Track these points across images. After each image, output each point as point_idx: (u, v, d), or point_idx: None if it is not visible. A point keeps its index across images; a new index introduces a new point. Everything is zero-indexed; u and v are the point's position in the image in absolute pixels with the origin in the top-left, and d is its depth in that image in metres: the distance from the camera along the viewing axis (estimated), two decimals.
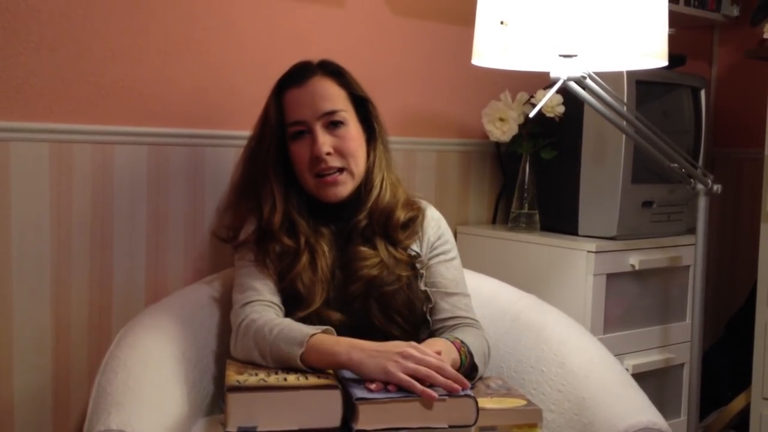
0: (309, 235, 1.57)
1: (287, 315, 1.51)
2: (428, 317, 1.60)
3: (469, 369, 1.48)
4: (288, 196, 1.60)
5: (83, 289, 1.78)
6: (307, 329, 1.39)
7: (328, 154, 1.56)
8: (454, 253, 1.68)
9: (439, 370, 1.30)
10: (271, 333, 1.40)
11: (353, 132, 1.60)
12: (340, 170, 1.58)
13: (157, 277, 1.87)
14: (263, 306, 1.49)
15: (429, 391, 1.26)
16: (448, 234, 1.70)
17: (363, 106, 1.64)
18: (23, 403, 1.73)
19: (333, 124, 1.58)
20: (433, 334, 1.59)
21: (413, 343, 1.35)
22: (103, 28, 1.77)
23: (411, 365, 1.29)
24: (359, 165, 1.61)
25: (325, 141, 1.56)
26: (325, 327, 1.41)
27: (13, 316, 1.70)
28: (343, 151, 1.58)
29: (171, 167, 1.87)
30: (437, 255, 1.65)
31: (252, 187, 1.63)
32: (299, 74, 1.61)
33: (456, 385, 1.29)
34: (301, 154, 1.58)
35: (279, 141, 1.60)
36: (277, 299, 1.53)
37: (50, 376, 1.76)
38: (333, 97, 1.59)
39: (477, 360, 1.49)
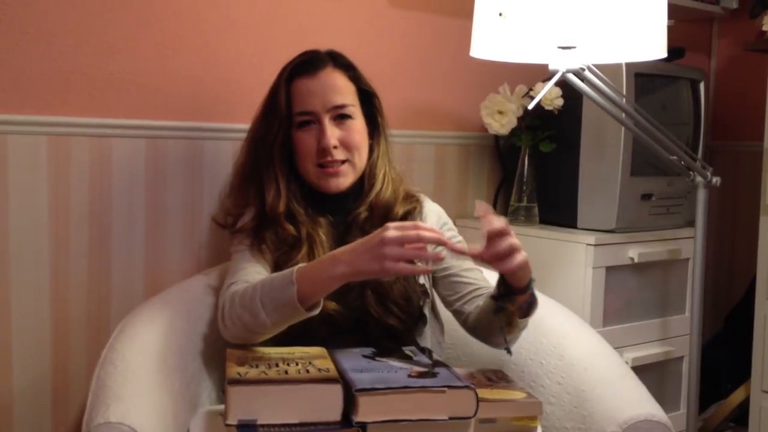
0: (308, 225, 1.57)
1: None
2: (425, 312, 1.60)
3: (531, 299, 1.45)
4: (289, 183, 1.60)
5: (82, 282, 1.78)
6: (290, 269, 1.37)
7: (335, 147, 1.56)
8: (459, 236, 1.69)
9: (420, 239, 1.29)
10: (255, 290, 1.39)
11: (359, 126, 1.60)
12: (343, 162, 1.58)
13: (156, 269, 1.87)
14: (248, 283, 1.47)
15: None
16: (449, 221, 1.72)
17: (369, 101, 1.65)
18: (22, 396, 1.73)
19: (341, 117, 1.58)
20: (460, 310, 1.60)
21: (388, 226, 1.31)
22: (100, 20, 1.76)
23: (396, 251, 1.28)
24: (362, 158, 1.61)
25: (332, 133, 1.56)
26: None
27: (11, 310, 1.70)
28: (349, 144, 1.58)
29: (169, 160, 1.87)
30: None
31: (255, 173, 1.62)
32: (311, 64, 1.60)
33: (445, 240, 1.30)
34: (306, 143, 1.58)
35: (286, 128, 1.60)
36: None
37: (49, 369, 1.76)
38: (343, 90, 1.59)
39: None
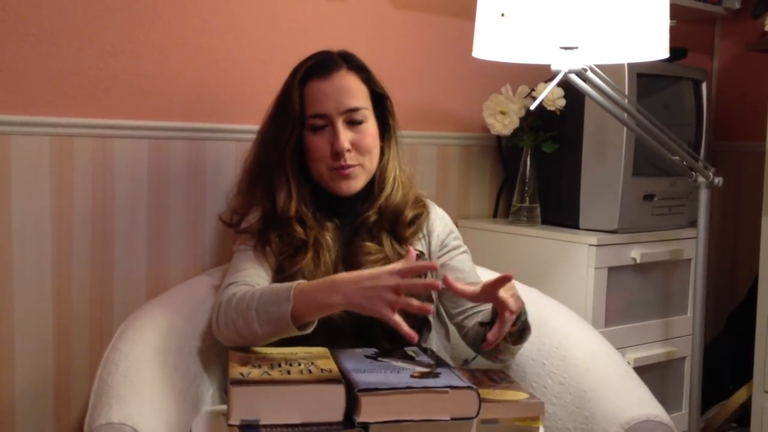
0: (315, 230, 1.57)
1: None
2: (429, 318, 1.59)
3: (523, 327, 1.49)
4: (299, 186, 1.60)
5: (84, 282, 1.78)
6: (289, 284, 1.38)
7: (348, 150, 1.56)
8: (465, 245, 1.69)
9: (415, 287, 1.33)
10: (252, 299, 1.39)
11: (371, 129, 1.60)
12: (355, 165, 1.57)
13: (158, 270, 1.87)
14: (248, 286, 1.47)
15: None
16: (455, 229, 1.71)
17: (381, 103, 1.64)
18: (25, 396, 1.73)
19: (354, 121, 1.57)
20: (461, 324, 1.62)
21: (393, 270, 1.31)
22: (103, 21, 1.76)
23: (391, 297, 1.29)
24: (373, 162, 1.61)
25: (346, 137, 1.56)
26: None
27: (14, 310, 1.70)
28: (361, 147, 1.57)
29: (172, 161, 1.87)
30: (452, 249, 1.66)
31: (264, 175, 1.62)
32: (324, 66, 1.59)
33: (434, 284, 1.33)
34: (319, 146, 1.57)
35: (299, 130, 1.59)
36: (265, 284, 1.51)
37: (52, 370, 1.76)
38: (356, 93, 1.58)
39: (530, 320, 1.51)
